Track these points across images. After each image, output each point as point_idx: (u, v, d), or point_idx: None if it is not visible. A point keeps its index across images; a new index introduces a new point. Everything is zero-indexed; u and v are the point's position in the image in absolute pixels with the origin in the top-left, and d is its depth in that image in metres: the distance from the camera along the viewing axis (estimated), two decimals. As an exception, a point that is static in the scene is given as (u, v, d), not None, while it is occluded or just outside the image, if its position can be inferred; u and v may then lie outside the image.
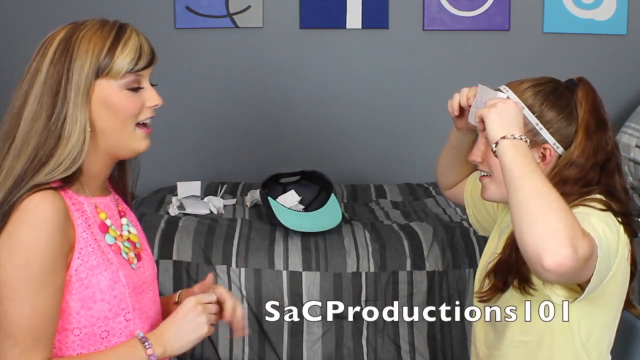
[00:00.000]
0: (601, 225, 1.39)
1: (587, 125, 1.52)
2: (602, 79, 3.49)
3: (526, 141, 1.38)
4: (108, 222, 1.40)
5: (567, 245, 1.24)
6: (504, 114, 1.41)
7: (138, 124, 1.38)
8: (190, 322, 1.39)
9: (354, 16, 3.54)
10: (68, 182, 1.32)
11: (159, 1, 3.53)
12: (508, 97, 1.52)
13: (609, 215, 1.45)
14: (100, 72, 1.32)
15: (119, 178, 1.52)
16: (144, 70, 1.37)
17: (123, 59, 1.33)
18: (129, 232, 1.46)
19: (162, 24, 3.53)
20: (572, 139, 1.53)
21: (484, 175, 1.60)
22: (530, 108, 1.53)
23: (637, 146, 3.18)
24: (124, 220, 1.46)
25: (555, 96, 1.54)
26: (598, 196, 1.49)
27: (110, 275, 1.35)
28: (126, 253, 1.41)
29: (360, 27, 3.56)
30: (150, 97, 1.38)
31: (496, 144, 1.39)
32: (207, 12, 3.53)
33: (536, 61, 3.54)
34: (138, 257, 1.44)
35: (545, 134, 1.52)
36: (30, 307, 1.26)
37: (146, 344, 1.34)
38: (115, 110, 1.34)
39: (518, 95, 1.54)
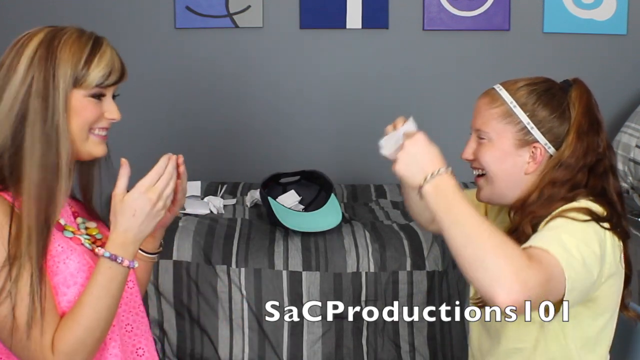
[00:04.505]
0: (574, 241, 1.37)
1: (579, 126, 1.52)
2: (602, 79, 3.53)
3: (446, 170, 1.33)
4: (62, 221, 1.42)
5: (514, 282, 1.22)
6: (410, 160, 1.36)
7: (92, 131, 1.40)
8: (151, 215, 1.37)
9: (354, 16, 3.54)
10: (6, 186, 1.34)
11: (159, 1, 3.52)
12: (413, 131, 1.43)
13: (589, 226, 1.42)
14: (76, 82, 1.35)
15: (81, 184, 1.52)
16: (111, 86, 1.40)
17: (97, 72, 1.36)
18: (87, 228, 1.48)
19: (162, 24, 3.53)
20: (563, 139, 1.53)
21: (478, 176, 1.60)
22: (522, 107, 1.53)
23: (637, 146, 3.18)
24: (79, 220, 1.49)
25: (548, 96, 1.54)
26: (583, 203, 1.47)
27: (77, 258, 1.37)
28: (89, 244, 1.43)
29: (360, 27, 3.56)
30: (110, 110, 1.41)
31: (420, 192, 1.35)
32: (207, 12, 3.53)
33: (536, 61, 3.54)
34: (103, 247, 1.45)
35: (536, 133, 1.52)
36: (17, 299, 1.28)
37: (119, 259, 1.35)
38: (77, 114, 1.37)
39: (511, 93, 1.55)
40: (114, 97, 1.43)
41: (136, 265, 1.39)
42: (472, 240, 1.26)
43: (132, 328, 1.50)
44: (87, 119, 1.38)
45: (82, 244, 1.42)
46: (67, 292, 1.35)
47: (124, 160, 1.40)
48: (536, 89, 1.55)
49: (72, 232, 1.42)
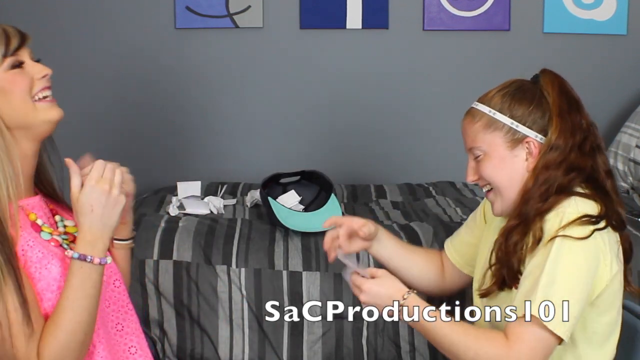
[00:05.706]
0: (569, 290, 1.44)
1: (559, 108, 1.56)
2: (602, 79, 3.53)
3: (409, 293, 1.55)
4: (39, 221, 1.41)
5: None
6: (375, 298, 1.56)
7: (35, 99, 1.39)
8: (109, 204, 1.35)
9: (354, 16, 3.54)
10: None
11: (159, 1, 3.52)
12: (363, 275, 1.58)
13: (588, 245, 1.46)
14: None
15: (43, 179, 1.51)
16: (20, 51, 1.39)
17: None
18: (65, 226, 1.47)
19: (162, 24, 3.53)
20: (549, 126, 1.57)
21: (488, 191, 1.64)
22: (500, 112, 1.58)
23: (637, 146, 3.18)
24: (57, 218, 1.47)
25: (520, 92, 1.59)
26: (580, 207, 1.50)
27: (59, 263, 1.36)
28: (67, 244, 1.41)
29: (360, 27, 3.56)
30: (37, 70, 1.40)
31: None
32: (207, 12, 3.53)
33: (536, 61, 3.50)
34: None
35: (522, 128, 1.57)
36: (10, 303, 1.28)
37: (88, 258, 1.33)
38: (9, 91, 1.36)
39: (487, 104, 1.60)
40: (37, 62, 1.42)
41: (109, 261, 1.36)
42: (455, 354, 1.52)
43: (123, 327, 1.48)
44: (21, 88, 1.37)
45: (61, 246, 1.40)
46: (51, 297, 1.34)
47: (68, 160, 1.38)
48: (508, 91, 1.60)
49: (50, 232, 1.41)
